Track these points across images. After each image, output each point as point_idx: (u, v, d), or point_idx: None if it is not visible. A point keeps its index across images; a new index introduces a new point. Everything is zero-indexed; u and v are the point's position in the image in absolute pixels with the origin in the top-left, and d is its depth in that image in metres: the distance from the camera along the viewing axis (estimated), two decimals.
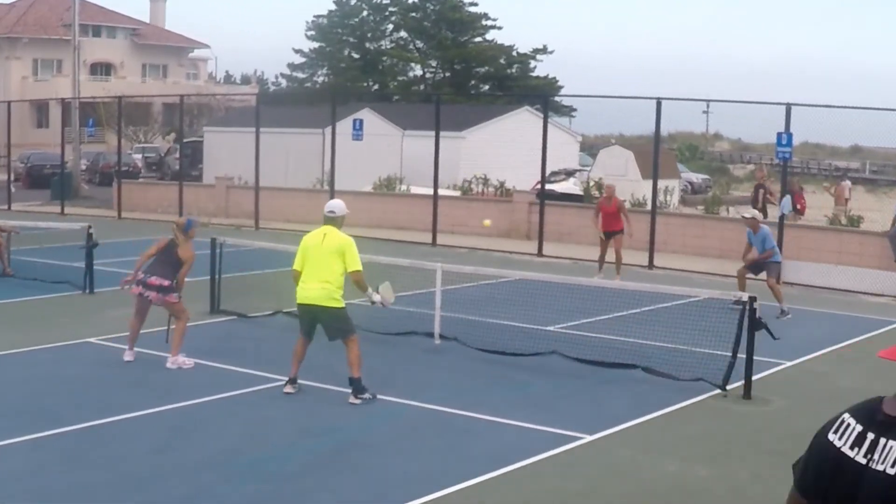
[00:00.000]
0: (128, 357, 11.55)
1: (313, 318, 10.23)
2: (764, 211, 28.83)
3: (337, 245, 10.06)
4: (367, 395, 10.04)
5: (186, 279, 11.88)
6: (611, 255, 18.71)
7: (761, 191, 26.14)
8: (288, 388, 10.32)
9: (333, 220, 10.30)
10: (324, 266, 10.03)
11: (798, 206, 24.94)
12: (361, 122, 27.79)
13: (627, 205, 25.32)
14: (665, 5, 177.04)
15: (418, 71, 69.89)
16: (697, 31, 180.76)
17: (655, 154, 22.44)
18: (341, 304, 10.11)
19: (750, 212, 16.86)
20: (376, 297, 10.55)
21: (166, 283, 11.36)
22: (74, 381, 10.83)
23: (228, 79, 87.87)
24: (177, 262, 11.52)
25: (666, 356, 11.91)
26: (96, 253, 16.43)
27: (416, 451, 8.78)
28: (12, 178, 36.90)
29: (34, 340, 12.63)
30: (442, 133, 25.00)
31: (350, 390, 10.05)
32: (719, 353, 11.32)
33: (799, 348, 13.20)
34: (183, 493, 7.59)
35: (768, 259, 15.84)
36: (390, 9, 69.45)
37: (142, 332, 11.66)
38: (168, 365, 11.22)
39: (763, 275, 16.16)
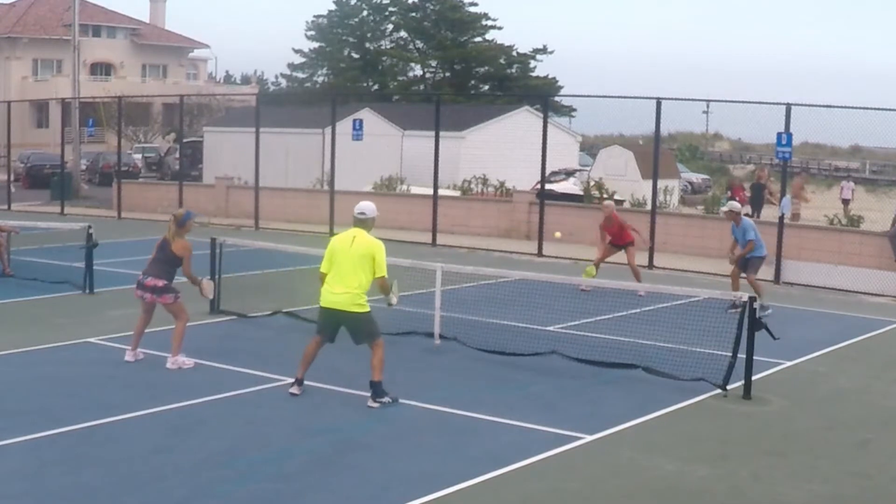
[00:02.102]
0: (128, 357, 11.54)
1: (337, 323, 10.09)
2: (759, 210, 29.03)
3: (366, 249, 9.90)
4: (386, 399, 9.94)
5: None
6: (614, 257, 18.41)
7: (765, 191, 26.42)
8: (294, 389, 10.27)
9: (363, 223, 10.11)
10: (351, 270, 9.87)
11: (737, 198, 26.81)
12: (361, 122, 27.79)
13: (627, 205, 25.40)
14: (665, 5, 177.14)
15: (418, 71, 69.89)
16: (698, 31, 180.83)
17: (655, 154, 22.43)
18: (367, 309, 9.98)
19: (729, 205, 16.36)
20: (394, 300, 10.41)
21: (160, 283, 11.30)
22: (74, 381, 10.83)
23: (228, 79, 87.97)
24: (172, 260, 11.40)
25: (666, 356, 11.91)
26: (96, 253, 16.42)
27: (416, 451, 8.78)
28: (12, 178, 36.89)
29: (34, 340, 12.63)
30: (442, 133, 24.98)
31: (369, 393, 9.97)
32: (719, 353, 11.32)
33: (799, 348, 13.19)
34: (183, 493, 7.59)
35: (751, 252, 15.58)
36: (390, 9, 69.45)
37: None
38: (168, 365, 11.21)
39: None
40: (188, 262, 11.41)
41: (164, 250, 11.43)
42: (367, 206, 10.24)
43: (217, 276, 14.47)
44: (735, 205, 16.36)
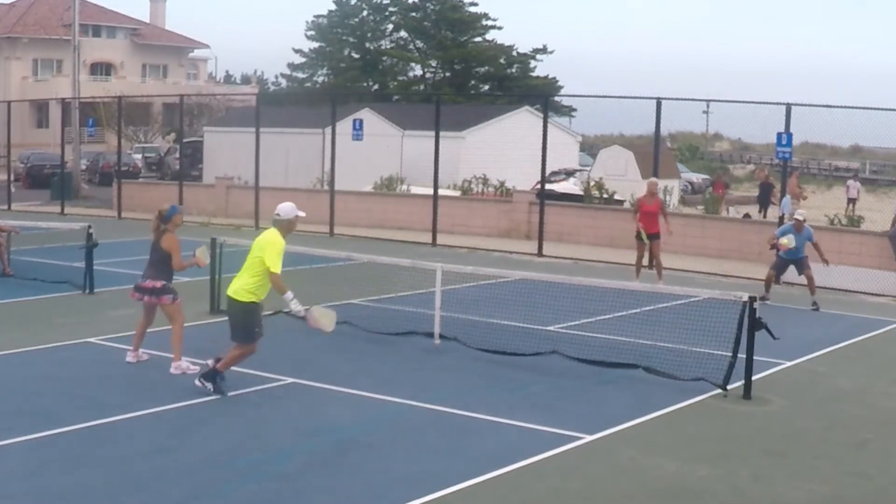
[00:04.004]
0: (130, 358, 11.51)
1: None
2: (766, 210, 29.40)
3: (262, 241, 10.01)
4: (209, 386, 10.06)
5: (186, 277, 11.83)
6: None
7: (773, 190, 26.74)
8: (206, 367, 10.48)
9: (277, 224, 10.12)
10: (247, 262, 10.10)
11: (718, 193, 30.90)
12: (361, 122, 27.79)
13: (627, 205, 25.38)
14: (665, 5, 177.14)
15: (418, 71, 69.90)
16: (698, 31, 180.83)
17: (655, 154, 22.43)
18: (241, 299, 9.98)
19: (800, 213, 17.16)
20: (294, 306, 9.96)
21: (158, 284, 11.17)
22: (74, 381, 10.83)
23: (228, 79, 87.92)
24: (165, 258, 11.25)
25: (666, 356, 11.92)
26: (96, 253, 16.41)
27: (416, 451, 8.78)
28: (12, 178, 36.88)
29: (34, 340, 12.62)
30: (442, 133, 24.98)
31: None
32: (719, 353, 11.32)
33: (799, 348, 13.19)
34: (183, 493, 7.59)
35: (803, 253, 16.77)
36: (390, 9, 69.48)
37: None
38: (172, 371, 11.03)
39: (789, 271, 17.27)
40: (177, 257, 11.23)
41: (157, 250, 11.31)
42: (283, 208, 10.19)
43: (217, 276, 14.46)
44: (803, 213, 17.32)
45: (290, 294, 9.88)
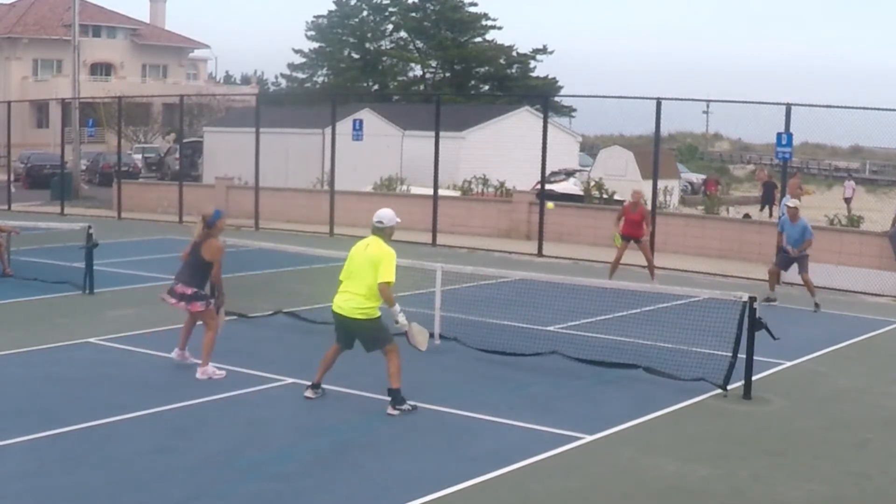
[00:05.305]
0: (174, 355, 11.36)
1: (347, 330, 9.91)
2: (770, 209, 29.52)
3: (376, 255, 9.62)
4: (406, 407, 9.74)
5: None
6: (629, 258, 18.45)
7: (775, 190, 26.86)
8: (308, 393, 10.13)
9: (381, 231, 9.83)
10: (358, 275, 9.71)
11: (710, 192, 32.12)
12: (361, 122, 27.80)
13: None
14: (665, 5, 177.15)
15: (418, 71, 69.89)
16: (698, 31, 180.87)
17: (655, 154, 22.43)
18: (373, 315, 9.73)
19: (792, 201, 17.01)
20: (402, 319, 9.84)
21: (189, 291, 10.96)
22: (74, 381, 10.82)
23: (228, 79, 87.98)
24: (202, 264, 10.96)
25: (666, 356, 11.92)
26: (96, 253, 16.40)
27: (416, 451, 8.78)
28: (12, 178, 36.88)
29: (34, 340, 12.62)
30: (442, 133, 24.99)
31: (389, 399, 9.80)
32: (719, 353, 11.32)
33: (799, 348, 13.19)
34: (183, 493, 7.59)
35: (808, 248, 16.54)
36: (390, 9, 69.45)
37: (142, 332, 11.64)
38: (198, 375, 10.86)
39: (791, 271, 17.07)
40: (218, 267, 10.93)
41: (196, 256, 11.01)
42: (385, 215, 9.92)
43: None
44: (796, 201, 17.04)
45: (398, 307, 9.72)
